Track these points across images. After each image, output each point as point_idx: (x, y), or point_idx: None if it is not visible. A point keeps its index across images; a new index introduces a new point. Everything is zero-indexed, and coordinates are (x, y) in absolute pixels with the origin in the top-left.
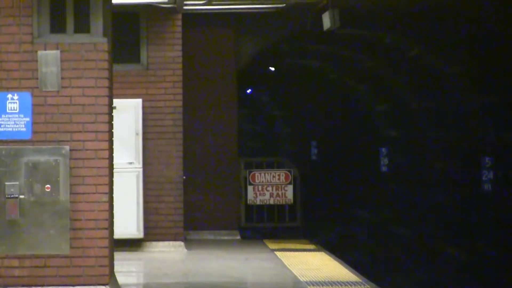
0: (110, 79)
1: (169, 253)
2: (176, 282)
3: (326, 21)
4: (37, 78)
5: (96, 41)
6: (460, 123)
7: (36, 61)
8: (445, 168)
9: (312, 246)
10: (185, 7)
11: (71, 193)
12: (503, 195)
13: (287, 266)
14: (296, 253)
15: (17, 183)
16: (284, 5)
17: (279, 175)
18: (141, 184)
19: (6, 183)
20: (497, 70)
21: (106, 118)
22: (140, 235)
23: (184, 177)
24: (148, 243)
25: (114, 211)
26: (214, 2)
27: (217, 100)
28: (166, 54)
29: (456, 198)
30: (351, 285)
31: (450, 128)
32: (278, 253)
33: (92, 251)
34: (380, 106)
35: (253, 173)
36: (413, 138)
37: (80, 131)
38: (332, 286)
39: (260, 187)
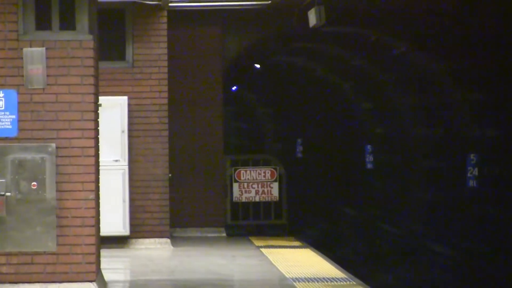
0: (96, 76)
1: (155, 250)
2: (162, 279)
3: (312, 18)
4: (22, 76)
5: (82, 38)
6: (445, 120)
7: (22, 58)
8: (431, 165)
9: (297, 243)
10: (170, 4)
11: (57, 191)
12: (488, 191)
13: (273, 262)
14: (282, 249)
15: (3, 180)
16: (270, 2)
17: (264, 173)
18: (127, 181)
19: None
20: (482, 68)
21: (92, 115)
22: (127, 232)
23: (170, 175)
24: (134, 240)
25: (101, 209)
26: None
27: (203, 98)
28: (152, 51)
29: (442, 195)
30: (336, 281)
31: (436, 125)
32: (264, 250)
33: (79, 248)
34: (365, 104)
35: (238, 170)
36: (399, 135)
37: (67, 129)
38: (317, 282)
39: (245, 185)
